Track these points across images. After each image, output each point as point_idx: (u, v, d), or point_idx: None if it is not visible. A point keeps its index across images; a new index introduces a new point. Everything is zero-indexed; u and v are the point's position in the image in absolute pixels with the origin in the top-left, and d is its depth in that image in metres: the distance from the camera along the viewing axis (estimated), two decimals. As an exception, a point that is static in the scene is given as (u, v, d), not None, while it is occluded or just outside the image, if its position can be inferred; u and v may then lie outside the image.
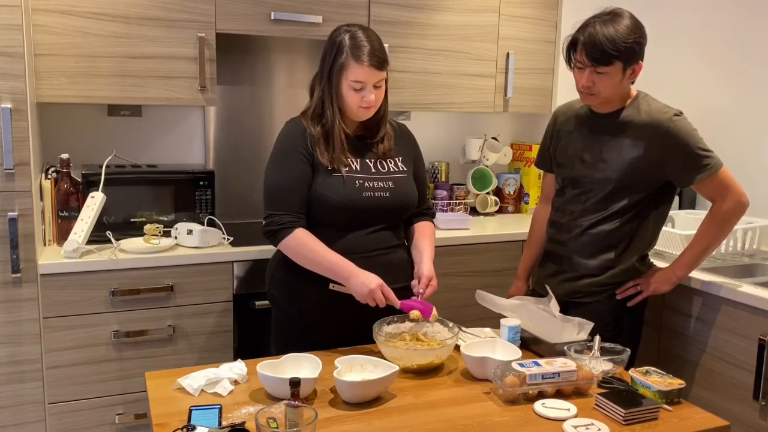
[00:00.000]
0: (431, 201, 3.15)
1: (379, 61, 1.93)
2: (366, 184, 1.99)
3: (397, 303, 1.92)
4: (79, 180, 2.51)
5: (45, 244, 2.46)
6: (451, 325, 1.94)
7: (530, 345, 1.96)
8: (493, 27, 3.13)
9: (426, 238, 2.13)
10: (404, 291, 2.04)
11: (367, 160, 2.04)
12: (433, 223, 2.22)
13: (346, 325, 2.00)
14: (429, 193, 3.11)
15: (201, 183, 2.66)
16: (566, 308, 2.10)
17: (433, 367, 1.83)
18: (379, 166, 2.05)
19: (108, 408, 2.40)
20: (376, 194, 2.00)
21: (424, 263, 2.05)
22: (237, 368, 1.75)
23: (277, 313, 2.13)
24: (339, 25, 2.02)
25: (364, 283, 1.88)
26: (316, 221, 1.99)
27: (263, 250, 2.49)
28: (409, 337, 1.90)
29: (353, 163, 2.01)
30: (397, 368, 1.68)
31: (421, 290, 2.00)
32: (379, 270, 1.95)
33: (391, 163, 2.07)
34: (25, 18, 2.19)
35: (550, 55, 3.29)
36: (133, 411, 2.43)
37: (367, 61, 1.91)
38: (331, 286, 1.94)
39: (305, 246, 1.94)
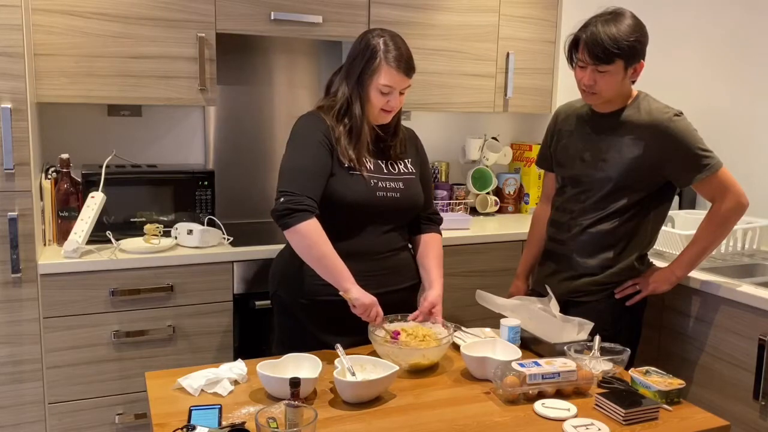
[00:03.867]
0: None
1: (410, 68, 1.97)
2: (380, 183, 2.00)
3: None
4: (79, 180, 2.51)
5: (45, 244, 2.46)
6: (448, 324, 1.94)
7: (530, 345, 1.96)
8: (493, 27, 3.13)
9: (434, 256, 2.11)
10: (411, 291, 2.11)
11: (380, 161, 2.05)
12: (440, 233, 2.19)
13: (359, 330, 1.94)
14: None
15: (201, 183, 2.66)
16: (565, 307, 2.11)
17: (424, 368, 1.81)
18: (391, 167, 2.06)
19: (108, 408, 2.40)
20: (389, 194, 2.00)
21: (434, 289, 2.04)
22: (237, 368, 1.75)
23: (283, 318, 2.09)
24: (371, 28, 2.08)
25: (366, 294, 1.87)
26: (324, 219, 1.89)
27: (263, 250, 2.49)
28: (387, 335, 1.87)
29: (368, 163, 2.02)
30: (397, 368, 1.67)
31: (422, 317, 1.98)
32: (388, 271, 2.01)
33: (401, 164, 2.09)
34: (25, 18, 2.19)
35: (550, 55, 3.29)
36: (133, 411, 2.43)
37: (400, 67, 1.94)
38: (341, 292, 1.88)
39: (319, 239, 1.85)
